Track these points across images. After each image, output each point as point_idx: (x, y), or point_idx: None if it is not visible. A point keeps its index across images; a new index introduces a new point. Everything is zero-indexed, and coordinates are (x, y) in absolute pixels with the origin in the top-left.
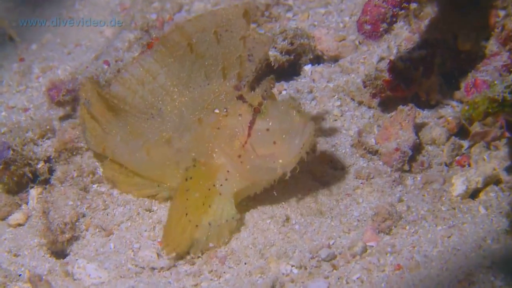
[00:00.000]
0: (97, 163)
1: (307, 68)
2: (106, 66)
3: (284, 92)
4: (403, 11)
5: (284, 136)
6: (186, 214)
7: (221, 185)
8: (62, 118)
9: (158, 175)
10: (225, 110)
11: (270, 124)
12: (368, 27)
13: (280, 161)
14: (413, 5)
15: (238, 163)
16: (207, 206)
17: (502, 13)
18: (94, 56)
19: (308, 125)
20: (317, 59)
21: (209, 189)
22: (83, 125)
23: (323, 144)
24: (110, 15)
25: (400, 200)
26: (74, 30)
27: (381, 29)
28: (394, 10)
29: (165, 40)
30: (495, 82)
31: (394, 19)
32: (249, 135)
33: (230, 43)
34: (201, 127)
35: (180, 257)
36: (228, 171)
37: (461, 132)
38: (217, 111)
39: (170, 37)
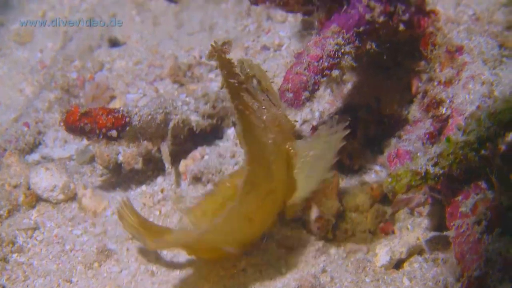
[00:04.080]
0: (16, 232)
1: (230, 131)
2: (25, 129)
3: (206, 157)
4: (324, 79)
5: None
6: None
7: None
8: None
9: None
10: None
11: None
12: (290, 95)
13: None
14: (335, 72)
15: None
16: None
17: (425, 76)
18: (13, 117)
19: None
20: None
21: None
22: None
23: None
24: (30, 73)
25: (324, 271)
26: None
27: (303, 97)
28: (316, 77)
29: None
30: (418, 154)
31: (316, 87)
32: None
33: None
34: None
35: None
36: None
37: (385, 198)
38: None
39: None
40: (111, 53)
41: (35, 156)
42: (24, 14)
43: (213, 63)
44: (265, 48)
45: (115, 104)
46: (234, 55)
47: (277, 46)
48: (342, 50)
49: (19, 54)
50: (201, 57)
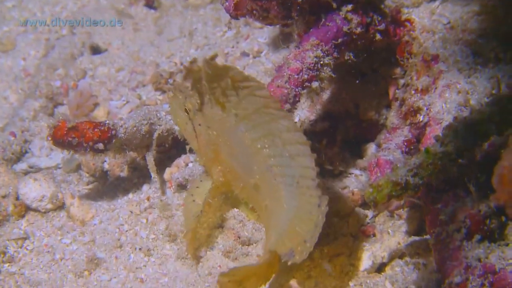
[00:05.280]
0: (7, 242)
1: None
2: (12, 138)
3: (190, 165)
4: (305, 91)
5: None
6: None
7: None
8: None
9: None
10: None
11: None
12: None
13: None
14: (315, 84)
15: None
16: None
17: (401, 82)
18: (0, 126)
19: None
20: None
21: None
22: None
23: (231, 220)
24: (14, 81)
25: (308, 276)
26: None
27: (284, 109)
28: (297, 90)
29: None
30: (398, 165)
31: (297, 99)
32: None
33: None
34: None
35: None
36: None
37: (365, 202)
38: None
39: None
40: (93, 61)
41: (22, 166)
42: (6, 21)
43: None
44: (244, 54)
45: (99, 111)
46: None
47: (256, 53)
48: (321, 62)
49: (2, 62)
50: (181, 64)
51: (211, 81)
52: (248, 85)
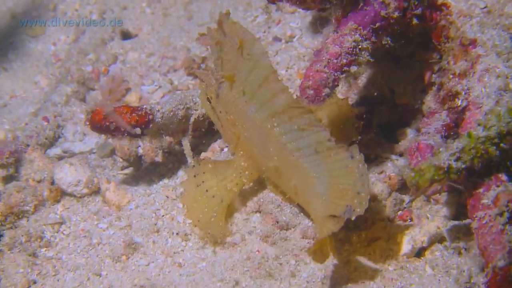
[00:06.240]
0: (43, 227)
1: None
2: (45, 123)
3: (225, 149)
4: (344, 75)
5: None
6: None
7: None
8: (5, 180)
9: None
10: None
11: None
12: (311, 92)
13: None
14: (354, 68)
15: None
16: None
17: (436, 67)
18: (32, 111)
19: None
20: None
21: None
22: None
23: (268, 205)
24: (45, 66)
25: (348, 261)
26: (9, 80)
27: (323, 93)
28: (336, 74)
29: None
30: (440, 150)
31: (336, 83)
32: None
33: None
34: None
35: None
36: None
37: (402, 186)
38: None
39: None
40: (123, 46)
41: (56, 151)
42: (35, 7)
43: None
44: (276, 39)
45: (131, 97)
46: None
47: (289, 38)
48: (360, 47)
49: (32, 47)
50: None
51: (223, 36)
52: (253, 53)
